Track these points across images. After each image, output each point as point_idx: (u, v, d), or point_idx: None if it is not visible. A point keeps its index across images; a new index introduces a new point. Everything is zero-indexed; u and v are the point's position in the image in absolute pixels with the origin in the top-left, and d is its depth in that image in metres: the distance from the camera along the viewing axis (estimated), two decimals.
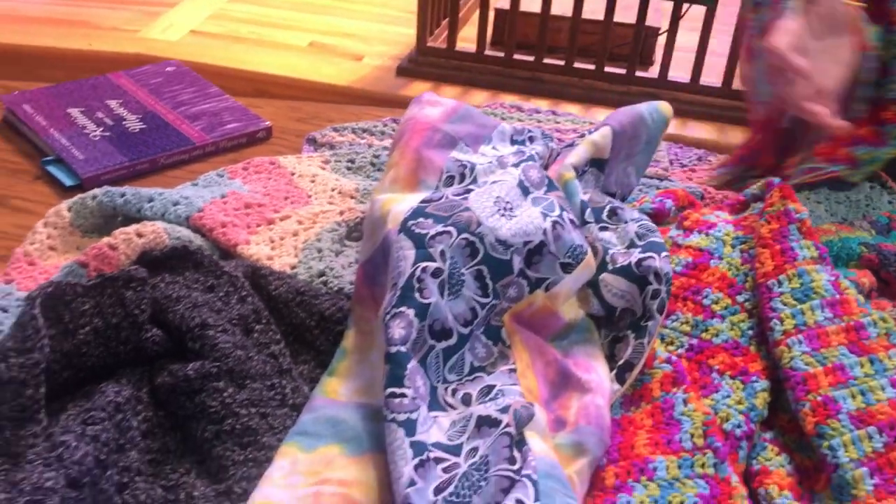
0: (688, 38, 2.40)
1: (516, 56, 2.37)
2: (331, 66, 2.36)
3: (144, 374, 0.60)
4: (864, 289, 0.69)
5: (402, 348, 0.54)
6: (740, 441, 0.57)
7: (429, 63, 2.50)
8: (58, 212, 0.75)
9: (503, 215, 0.60)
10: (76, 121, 0.96)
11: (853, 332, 0.62)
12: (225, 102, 1.02)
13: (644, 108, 0.75)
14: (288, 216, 0.78)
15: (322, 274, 0.71)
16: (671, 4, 2.36)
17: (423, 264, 0.57)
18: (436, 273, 0.57)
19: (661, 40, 2.48)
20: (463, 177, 0.67)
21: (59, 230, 0.74)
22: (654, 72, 2.42)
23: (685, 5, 2.32)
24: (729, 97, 2.16)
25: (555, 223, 0.61)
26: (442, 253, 0.58)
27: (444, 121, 0.70)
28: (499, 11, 2.56)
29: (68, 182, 0.87)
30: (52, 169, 0.89)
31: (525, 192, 0.63)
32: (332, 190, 0.85)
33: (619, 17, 2.46)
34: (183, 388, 0.57)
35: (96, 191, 0.75)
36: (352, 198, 0.84)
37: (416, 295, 0.56)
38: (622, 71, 2.25)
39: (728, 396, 0.60)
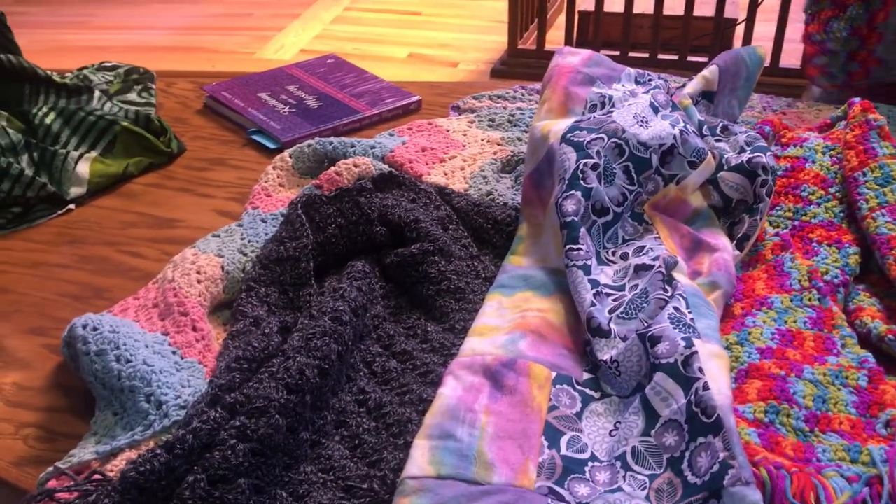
0: (765, 28, 2.54)
1: (602, 52, 2.56)
2: (430, 73, 2.56)
3: (375, 258, 0.80)
4: None
5: (575, 218, 0.72)
6: (838, 287, 0.74)
7: (520, 64, 2.70)
8: (282, 158, 0.96)
9: (641, 125, 0.79)
10: (266, 101, 1.18)
11: None
12: (381, 84, 1.24)
13: (743, 50, 0.92)
14: (454, 157, 0.98)
15: (489, 193, 0.91)
16: None
17: (584, 160, 0.75)
18: (594, 167, 0.75)
19: (739, 31, 2.63)
20: (603, 105, 0.85)
21: (285, 171, 0.95)
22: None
23: None
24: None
25: (681, 131, 0.79)
26: (598, 153, 0.76)
27: (584, 65, 0.89)
28: (583, 14, 2.74)
29: (271, 146, 1.09)
30: (256, 137, 1.11)
31: (655, 110, 0.82)
32: (482, 140, 1.05)
33: (698, 12, 2.62)
34: (409, 262, 0.77)
35: (310, 141, 0.96)
36: (498, 144, 1.03)
37: (581, 182, 0.74)
38: (704, 59, 2.40)
39: (826, 258, 0.77)
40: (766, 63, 1.01)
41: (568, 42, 2.71)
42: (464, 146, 1.03)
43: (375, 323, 0.73)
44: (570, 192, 0.74)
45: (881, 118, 0.85)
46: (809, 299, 0.72)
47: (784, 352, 0.66)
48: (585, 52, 0.92)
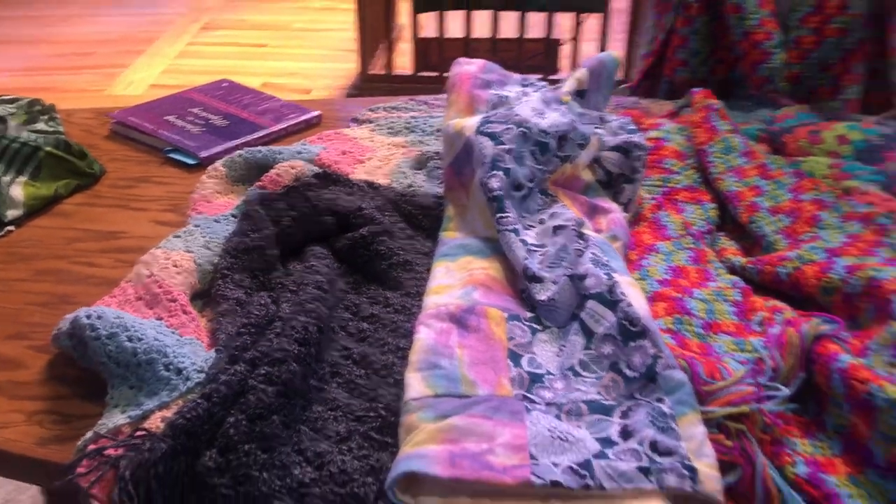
0: (589, 46, 2.84)
1: (445, 74, 2.78)
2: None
3: (326, 245, 0.91)
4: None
5: (500, 192, 0.88)
6: (705, 234, 0.93)
7: (372, 88, 2.86)
8: (215, 168, 1.05)
9: (539, 116, 0.95)
10: (175, 123, 1.26)
11: (762, 167, 1.00)
12: (279, 102, 1.34)
13: (603, 55, 1.11)
14: (370, 158, 1.11)
15: (411, 186, 1.04)
16: (571, 19, 2.78)
17: (500, 146, 0.91)
18: (508, 151, 0.91)
19: (566, 50, 2.92)
20: (502, 104, 1.01)
21: (219, 180, 1.04)
22: (562, 76, 2.84)
23: (582, 16, 2.76)
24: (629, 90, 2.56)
25: (571, 120, 0.97)
26: (509, 140, 0.92)
27: (480, 72, 1.05)
28: (424, 40, 2.94)
29: (191, 162, 1.17)
30: (174, 155, 1.19)
31: (547, 104, 0.98)
32: (388, 144, 1.18)
33: (529, 34, 2.88)
34: (360, 243, 0.89)
35: (240, 151, 1.06)
36: (404, 147, 1.17)
37: (501, 164, 0.90)
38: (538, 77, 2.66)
39: (693, 213, 0.96)
40: (558, 66, 1.21)
41: (415, 65, 2.90)
42: (374, 150, 1.16)
43: (340, 296, 0.85)
44: (494, 173, 0.89)
45: (719, 102, 1.06)
46: (687, 243, 0.91)
47: (676, 281, 0.84)
48: (479, 62, 1.08)
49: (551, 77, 2.71)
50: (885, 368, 0.69)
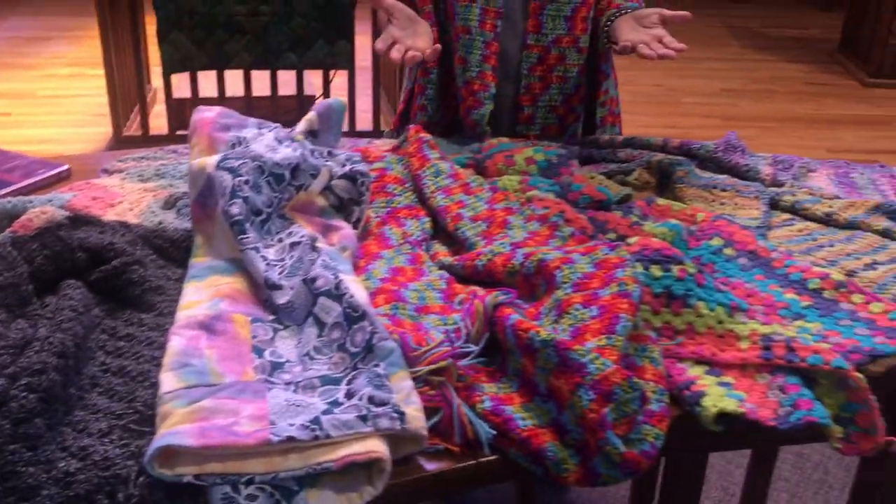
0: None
1: None
2: None
3: (81, 279, 0.99)
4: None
5: (241, 217, 1.00)
6: (422, 242, 1.11)
7: (128, 150, 2.86)
8: None
9: (272, 152, 1.10)
10: None
11: (464, 186, 1.20)
12: (28, 159, 1.38)
13: (331, 100, 1.28)
14: (121, 202, 1.20)
15: (161, 223, 1.14)
16: (321, 76, 2.97)
17: (238, 179, 1.04)
18: (246, 182, 1.04)
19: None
20: (240, 143, 1.14)
21: None
22: None
23: (332, 73, 2.95)
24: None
25: (302, 154, 1.12)
26: (246, 172, 1.05)
27: (219, 118, 1.18)
28: (179, 101, 3.00)
29: None
30: None
31: (280, 142, 1.13)
32: (139, 189, 1.27)
33: (281, 92, 3.03)
34: (112, 274, 0.98)
35: None
36: (154, 191, 1.26)
37: (239, 193, 1.02)
38: None
39: (411, 226, 1.14)
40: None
41: (170, 125, 2.94)
42: (125, 195, 1.24)
43: (97, 321, 0.93)
44: (234, 201, 1.02)
45: (428, 135, 1.26)
46: (406, 250, 1.08)
47: (395, 279, 1.01)
48: (217, 108, 1.21)
49: None
50: (551, 325, 0.90)
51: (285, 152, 1.11)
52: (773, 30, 5.08)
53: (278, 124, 1.25)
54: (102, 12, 2.75)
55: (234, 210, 1.01)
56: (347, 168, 1.15)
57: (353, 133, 2.99)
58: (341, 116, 1.31)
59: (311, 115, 1.25)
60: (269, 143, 1.12)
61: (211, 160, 1.08)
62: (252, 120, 1.23)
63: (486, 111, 1.52)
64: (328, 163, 1.17)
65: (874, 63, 4.13)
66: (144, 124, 2.86)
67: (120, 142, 2.83)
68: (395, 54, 1.25)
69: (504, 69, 1.56)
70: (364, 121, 3.02)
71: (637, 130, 3.29)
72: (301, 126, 1.23)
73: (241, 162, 1.06)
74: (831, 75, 4.24)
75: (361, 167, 1.16)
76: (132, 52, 2.94)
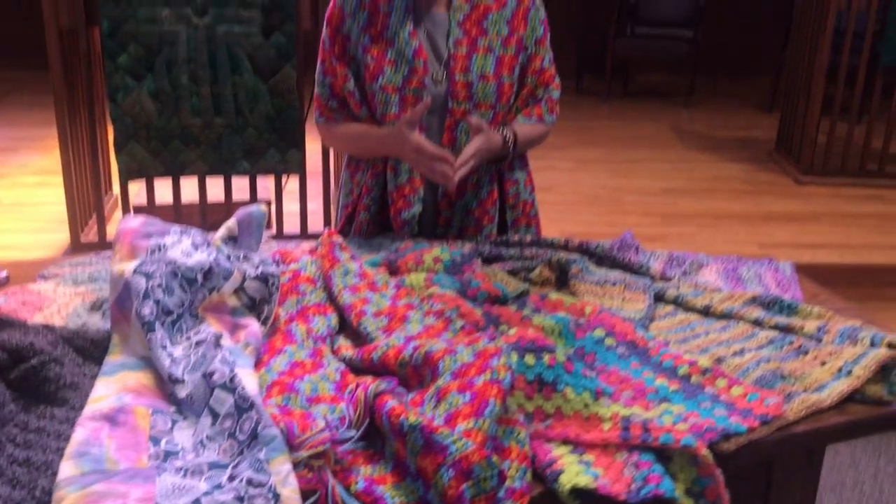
0: (293, 205, 3.17)
1: None
2: None
3: (0, 377, 1.07)
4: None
5: (151, 318, 1.09)
6: (326, 337, 1.20)
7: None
8: None
9: (187, 257, 1.19)
10: None
11: (371, 284, 1.30)
12: None
13: (251, 208, 1.39)
14: (50, 305, 1.28)
15: (84, 324, 1.23)
16: (272, 181, 3.10)
17: (151, 282, 1.13)
18: (159, 285, 1.13)
19: (274, 208, 3.21)
20: (160, 249, 1.24)
21: None
22: (273, 231, 3.11)
23: (284, 178, 3.09)
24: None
25: (215, 259, 1.22)
26: (160, 277, 1.14)
27: (143, 226, 1.28)
28: (137, 207, 3.11)
29: None
30: None
31: (196, 247, 1.23)
32: (71, 293, 1.36)
33: (236, 198, 3.15)
34: (31, 372, 1.05)
35: None
36: (84, 294, 1.35)
37: (152, 295, 1.12)
38: None
39: (318, 323, 1.23)
40: (271, 224, 1.50)
41: None
42: (54, 300, 1.33)
43: (10, 416, 1.00)
44: (146, 303, 1.11)
45: (340, 238, 1.37)
46: (308, 345, 1.17)
47: (293, 371, 1.09)
48: (142, 217, 1.31)
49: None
50: (432, 411, 0.98)
51: (199, 257, 1.21)
52: (718, 131, 5.34)
53: (198, 230, 1.35)
54: (62, 124, 2.89)
55: (146, 311, 1.10)
56: (259, 270, 1.25)
57: (305, 235, 3.10)
58: (261, 222, 1.41)
59: (230, 222, 1.35)
60: (185, 248, 1.22)
61: (129, 266, 1.18)
62: (175, 227, 1.33)
63: (416, 212, 1.65)
64: (242, 265, 1.27)
65: (806, 161, 4.35)
66: (102, 231, 2.97)
67: (78, 248, 2.93)
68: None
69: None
70: (315, 223, 3.15)
71: (581, 228, 3.45)
72: (220, 232, 1.33)
73: (156, 267, 1.16)
74: (768, 173, 4.45)
75: (272, 269, 1.26)
76: (90, 161, 3.06)
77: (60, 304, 1.30)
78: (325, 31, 1.66)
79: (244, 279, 1.25)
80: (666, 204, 3.91)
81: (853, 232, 3.62)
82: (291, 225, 3.14)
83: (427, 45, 1.63)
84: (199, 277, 1.19)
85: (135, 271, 1.16)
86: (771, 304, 1.35)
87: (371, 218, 1.70)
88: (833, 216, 3.83)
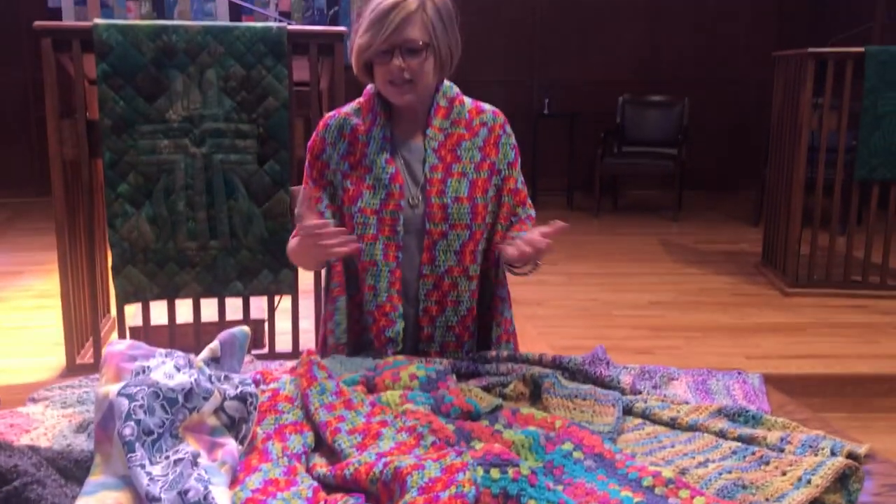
0: (285, 324, 3.22)
1: None
2: None
3: None
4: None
5: (132, 438, 1.14)
6: (302, 455, 1.24)
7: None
8: None
9: (169, 378, 1.25)
10: None
11: (347, 402, 1.35)
12: None
13: (235, 330, 1.46)
14: (37, 427, 1.33)
15: (69, 445, 1.27)
16: (266, 300, 3.17)
17: (133, 403, 1.18)
18: (141, 406, 1.19)
19: (267, 326, 3.27)
20: (144, 371, 1.30)
21: None
22: (266, 349, 3.16)
23: (276, 299, 3.16)
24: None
25: (195, 380, 1.27)
26: (142, 398, 1.20)
27: (128, 349, 1.34)
28: (133, 328, 3.18)
29: None
30: None
31: (178, 369, 1.29)
32: (59, 415, 1.41)
33: (229, 317, 3.22)
34: (13, 493, 1.09)
35: None
36: (72, 416, 1.40)
37: (133, 416, 1.17)
38: None
39: (294, 441, 1.28)
40: (262, 341, 1.56)
41: None
42: (42, 422, 1.38)
43: None
44: (127, 423, 1.16)
45: (317, 357, 1.43)
46: (283, 462, 1.21)
47: (266, 489, 1.13)
48: (128, 341, 1.37)
49: (255, 352, 3.04)
50: None
51: (180, 378, 1.26)
52: (705, 245, 5.46)
53: (181, 353, 1.41)
54: (63, 249, 2.99)
55: (127, 431, 1.15)
56: (239, 390, 1.31)
57: (297, 353, 3.15)
58: (243, 344, 1.48)
59: (213, 343, 1.42)
60: (167, 370, 1.28)
61: (114, 388, 1.23)
62: (160, 350, 1.40)
63: (399, 328, 1.71)
64: (223, 386, 1.33)
65: (791, 273, 4.44)
66: (98, 353, 3.02)
67: (73, 370, 2.97)
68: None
69: (405, 294, 1.76)
70: (307, 341, 3.20)
71: (569, 342, 3.50)
72: (203, 354, 1.39)
73: (138, 388, 1.22)
74: (755, 286, 4.53)
75: (251, 389, 1.31)
76: (89, 285, 3.15)
77: (48, 426, 1.35)
78: (306, 159, 1.78)
79: (224, 399, 1.30)
80: (654, 317, 3.97)
81: (839, 342, 3.67)
82: (284, 343, 3.19)
83: (404, 171, 1.73)
84: (181, 398, 1.24)
85: (119, 393, 1.21)
86: (736, 416, 1.40)
87: (336, 342, 1.78)
88: (819, 327, 3.88)
